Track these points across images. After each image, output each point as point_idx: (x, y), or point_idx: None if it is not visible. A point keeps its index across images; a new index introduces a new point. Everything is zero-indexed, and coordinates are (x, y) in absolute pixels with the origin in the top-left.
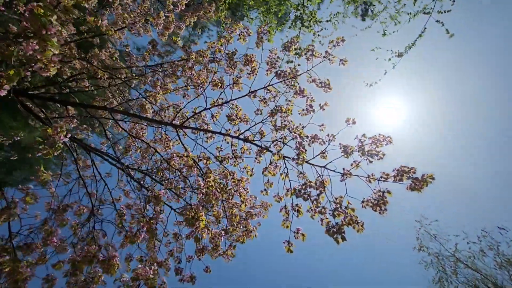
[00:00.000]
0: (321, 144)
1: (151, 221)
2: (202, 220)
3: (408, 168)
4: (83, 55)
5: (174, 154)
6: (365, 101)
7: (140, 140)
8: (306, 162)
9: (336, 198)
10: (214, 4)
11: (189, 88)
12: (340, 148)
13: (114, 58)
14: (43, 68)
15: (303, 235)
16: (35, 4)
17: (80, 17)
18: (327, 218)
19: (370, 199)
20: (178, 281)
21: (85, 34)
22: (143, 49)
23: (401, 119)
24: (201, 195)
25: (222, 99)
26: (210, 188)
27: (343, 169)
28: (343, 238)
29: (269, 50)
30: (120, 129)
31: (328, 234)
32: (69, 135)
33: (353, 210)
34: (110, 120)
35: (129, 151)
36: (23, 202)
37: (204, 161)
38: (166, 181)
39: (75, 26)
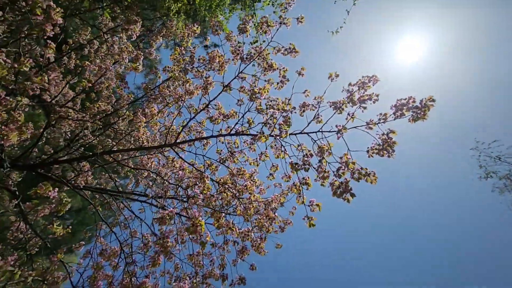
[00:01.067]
0: (313, 110)
1: (164, 241)
2: (202, 225)
3: (406, 99)
4: (77, 113)
5: (181, 172)
6: (340, 51)
7: (148, 171)
8: (292, 134)
9: (341, 157)
10: (174, 21)
11: (170, 105)
12: (331, 106)
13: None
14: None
15: (318, 205)
16: None
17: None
18: (336, 180)
19: (374, 146)
20: (229, 286)
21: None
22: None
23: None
24: (200, 200)
25: (204, 104)
26: (206, 190)
27: (336, 125)
28: (352, 195)
29: (225, 38)
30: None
31: (336, 196)
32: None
33: (353, 163)
34: (115, 163)
35: (139, 183)
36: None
37: (212, 167)
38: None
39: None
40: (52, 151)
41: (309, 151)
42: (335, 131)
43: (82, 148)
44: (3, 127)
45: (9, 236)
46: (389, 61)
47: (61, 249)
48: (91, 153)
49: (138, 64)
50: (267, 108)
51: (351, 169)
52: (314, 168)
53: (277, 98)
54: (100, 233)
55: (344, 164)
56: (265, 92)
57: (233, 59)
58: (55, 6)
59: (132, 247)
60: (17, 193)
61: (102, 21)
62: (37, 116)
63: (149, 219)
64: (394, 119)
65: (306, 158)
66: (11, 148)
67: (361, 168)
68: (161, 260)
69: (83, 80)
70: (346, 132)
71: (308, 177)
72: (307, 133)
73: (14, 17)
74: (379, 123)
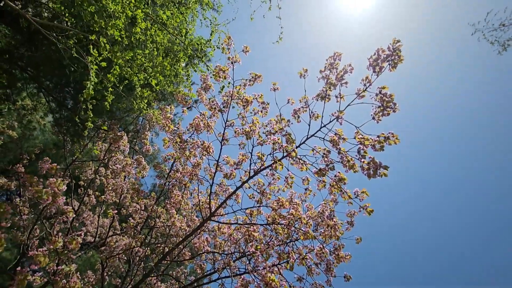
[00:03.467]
0: (305, 111)
1: None
2: (273, 280)
3: (375, 53)
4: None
5: (232, 237)
6: (294, 47)
7: (205, 252)
8: (300, 145)
9: (354, 138)
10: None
11: (188, 184)
12: (318, 99)
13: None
14: None
15: (364, 192)
16: None
17: None
18: (363, 161)
19: (375, 110)
20: None
21: None
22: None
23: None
24: (260, 257)
25: (214, 164)
26: (259, 246)
27: (332, 114)
28: (386, 167)
29: (196, 102)
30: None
31: (372, 176)
32: None
33: (366, 139)
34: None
35: (204, 266)
36: None
37: (254, 213)
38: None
39: None
40: (119, 281)
41: (324, 149)
42: (335, 119)
43: (142, 264)
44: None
45: None
46: (338, 23)
47: None
48: (151, 265)
49: (142, 167)
50: (267, 136)
51: (370, 144)
52: (338, 162)
53: (270, 121)
54: None
55: (360, 143)
56: (255, 125)
57: (213, 114)
58: (61, 189)
59: None
60: None
61: (95, 154)
62: (92, 257)
63: None
64: (377, 77)
65: (326, 158)
66: None
67: (378, 137)
68: None
69: (108, 211)
70: (343, 114)
71: (339, 172)
72: (313, 135)
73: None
74: (366, 88)
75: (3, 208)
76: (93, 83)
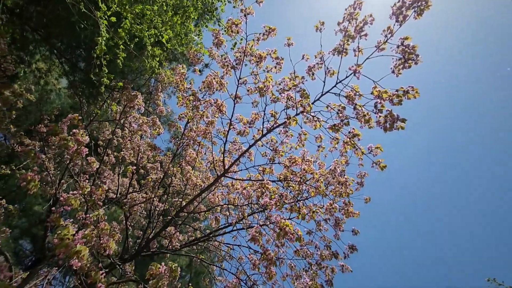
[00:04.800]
0: (320, 68)
1: (266, 254)
2: (288, 225)
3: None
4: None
5: (245, 192)
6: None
7: (219, 206)
8: (315, 102)
9: (371, 93)
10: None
11: (202, 143)
12: (334, 54)
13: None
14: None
15: (378, 148)
16: None
17: None
18: (380, 116)
19: (396, 63)
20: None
21: None
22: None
23: None
24: (273, 206)
25: (228, 123)
26: (273, 195)
27: (349, 68)
28: (403, 120)
29: (209, 57)
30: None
31: (389, 130)
32: None
33: (386, 92)
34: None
35: (219, 218)
36: None
37: (266, 170)
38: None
39: None
40: (141, 233)
41: (339, 105)
42: (352, 74)
43: (160, 218)
44: (100, 241)
45: None
46: None
47: None
48: (169, 218)
49: (157, 126)
50: (280, 94)
51: (388, 98)
52: (353, 118)
53: (283, 79)
54: (216, 274)
55: (377, 97)
56: (269, 81)
57: (226, 72)
58: (84, 140)
59: (245, 272)
60: (138, 279)
61: (111, 113)
62: (115, 212)
63: (244, 241)
64: (399, 26)
65: (340, 114)
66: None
67: (396, 91)
68: (273, 271)
69: (128, 167)
70: (361, 68)
71: (354, 128)
72: (328, 92)
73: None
74: (387, 40)
75: (33, 154)
76: (104, 38)
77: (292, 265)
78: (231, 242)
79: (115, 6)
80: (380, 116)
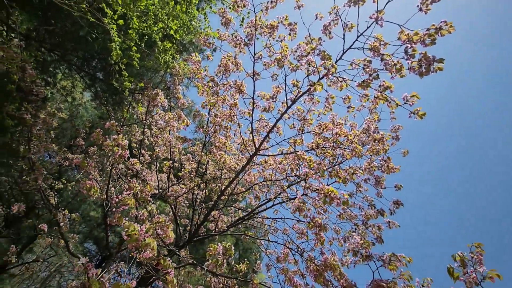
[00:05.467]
0: (336, 24)
1: (312, 222)
2: (332, 190)
3: None
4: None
5: (280, 166)
6: None
7: (256, 184)
8: (338, 60)
9: (399, 39)
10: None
11: (229, 127)
12: (350, 4)
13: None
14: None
15: (414, 95)
16: None
17: None
18: (412, 61)
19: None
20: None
21: None
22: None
23: None
24: (312, 174)
25: (250, 102)
26: (311, 164)
27: (370, 17)
28: (441, 60)
29: (219, 39)
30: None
31: (425, 74)
32: None
33: (416, 33)
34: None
35: (259, 195)
36: None
37: (297, 142)
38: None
39: None
40: (187, 221)
41: (364, 59)
42: (373, 23)
43: (203, 205)
44: (160, 233)
45: None
46: None
47: (253, 276)
48: (211, 203)
49: (182, 120)
50: (298, 61)
51: (419, 40)
52: (382, 70)
53: (299, 45)
54: (264, 247)
55: (407, 41)
56: (285, 50)
57: (240, 51)
58: (125, 143)
59: (292, 241)
60: (195, 262)
61: (137, 115)
62: (160, 206)
63: (286, 213)
64: None
65: (367, 69)
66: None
67: (427, 30)
68: (323, 236)
69: (165, 163)
70: (383, 14)
71: (384, 81)
72: (350, 47)
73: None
74: None
75: (86, 163)
76: (117, 42)
77: (337, 228)
78: (273, 216)
79: (120, 8)
80: (412, 62)
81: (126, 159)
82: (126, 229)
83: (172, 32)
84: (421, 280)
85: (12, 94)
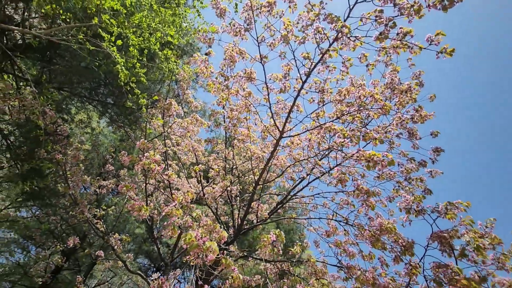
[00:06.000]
0: None
1: (358, 189)
2: (375, 154)
3: None
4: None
5: (309, 143)
6: None
7: (291, 165)
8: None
9: None
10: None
11: (247, 117)
12: None
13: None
14: None
15: (439, 33)
16: None
17: None
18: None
19: None
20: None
21: None
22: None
23: None
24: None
25: (264, 87)
26: (343, 131)
27: None
28: None
29: (216, 33)
30: None
31: (449, 7)
32: None
33: None
34: None
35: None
36: None
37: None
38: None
39: None
40: (227, 218)
41: (375, 11)
42: None
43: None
44: (213, 234)
45: None
46: None
47: (310, 255)
48: (247, 195)
49: (200, 122)
50: (304, 32)
51: None
52: (396, 17)
53: (300, 15)
54: (307, 225)
55: None
56: (288, 25)
57: (241, 38)
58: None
59: (336, 213)
60: (246, 254)
61: (155, 128)
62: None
63: (323, 186)
64: None
65: (380, 20)
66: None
67: None
68: (372, 201)
69: (194, 168)
70: None
71: (402, 27)
72: (356, 3)
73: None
74: None
75: (128, 186)
76: (122, 63)
77: (377, 190)
78: (310, 194)
79: (116, 28)
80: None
81: (161, 173)
82: (184, 238)
83: (169, 38)
84: (484, 222)
85: (41, 139)
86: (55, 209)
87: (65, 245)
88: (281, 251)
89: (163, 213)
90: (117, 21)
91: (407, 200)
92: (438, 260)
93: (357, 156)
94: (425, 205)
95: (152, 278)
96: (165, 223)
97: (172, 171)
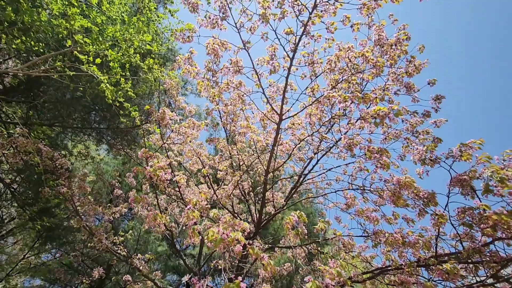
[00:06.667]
0: None
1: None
2: (380, 109)
3: None
4: None
5: (310, 118)
6: None
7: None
8: None
9: None
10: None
11: (244, 107)
12: None
13: None
14: None
15: None
16: None
17: None
18: None
19: None
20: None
21: None
22: None
23: None
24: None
25: (252, 73)
26: (342, 96)
27: None
28: None
29: (194, 32)
30: None
31: None
32: None
33: None
34: None
35: (299, 158)
36: None
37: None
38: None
39: None
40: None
41: None
42: None
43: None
44: (235, 227)
45: None
46: None
47: (335, 230)
48: (260, 188)
49: (198, 125)
50: (281, 7)
51: None
52: None
53: None
54: (324, 204)
55: None
56: (264, 2)
57: (220, 29)
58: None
59: (351, 184)
60: (269, 244)
61: (154, 142)
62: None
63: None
64: None
65: None
66: None
67: None
68: (386, 160)
69: (202, 170)
70: None
71: None
72: None
73: None
74: None
75: (140, 198)
76: (105, 80)
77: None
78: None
79: (91, 46)
80: None
81: (170, 180)
82: (207, 236)
83: (148, 46)
84: (501, 156)
85: (42, 177)
86: (73, 245)
87: (91, 278)
88: (306, 233)
89: (181, 221)
90: (91, 38)
91: (419, 151)
92: (464, 205)
93: (363, 116)
94: (439, 154)
95: (184, 281)
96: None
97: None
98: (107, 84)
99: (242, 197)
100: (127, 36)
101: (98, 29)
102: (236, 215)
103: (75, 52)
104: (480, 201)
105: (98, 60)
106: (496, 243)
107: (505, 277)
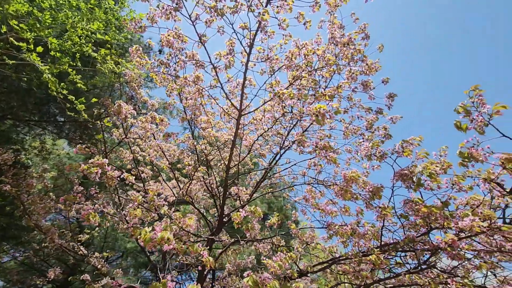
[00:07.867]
0: None
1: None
2: (320, 107)
3: None
4: None
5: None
6: None
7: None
8: None
9: None
10: (127, 69)
11: (205, 102)
12: None
13: None
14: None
15: None
16: None
17: None
18: None
19: None
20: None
21: None
22: None
23: None
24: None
25: (212, 69)
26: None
27: None
28: None
29: (151, 22)
30: None
31: None
32: None
33: None
34: None
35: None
36: None
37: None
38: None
39: None
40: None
41: None
42: None
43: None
44: (180, 224)
45: None
46: None
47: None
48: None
49: (163, 121)
50: (236, 0)
51: None
52: None
53: None
54: (292, 199)
55: None
56: None
57: (174, 20)
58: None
59: (314, 178)
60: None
61: (117, 137)
62: (186, 209)
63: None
64: None
65: None
66: None
67: None
68: (332, 155)
69: (162, 165)
70: None
71: None
72: None
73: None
74: None
75: (69, 197)
76: (46, 70)
77: (348, 148)
78: (286, 166)
79: (29, 33)
80: None
81: (118, 178)
82: (141, 236)
83: (99, 35)
84: (437, 151)
85: None
86: (28, 245)
87: (47, 279)
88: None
89: (123, 217)
90: (28, 24)
91: (366, 147)
92: (408, 198)
93: (308, 113)
94: (386, 149)
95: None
96: (127, 224)
97: (141, 177)
98: (49, 75)
99: (210, 192)
100: (72, 22)
101: (41, 14)
102: (200, 211)
103: (11, 39)
104: (421, 196)
105: (39, 49)
106: (435, 232)
107: (432, 263)
